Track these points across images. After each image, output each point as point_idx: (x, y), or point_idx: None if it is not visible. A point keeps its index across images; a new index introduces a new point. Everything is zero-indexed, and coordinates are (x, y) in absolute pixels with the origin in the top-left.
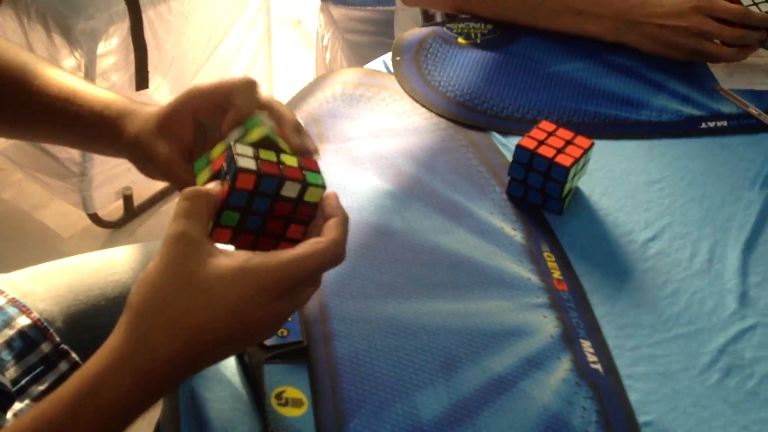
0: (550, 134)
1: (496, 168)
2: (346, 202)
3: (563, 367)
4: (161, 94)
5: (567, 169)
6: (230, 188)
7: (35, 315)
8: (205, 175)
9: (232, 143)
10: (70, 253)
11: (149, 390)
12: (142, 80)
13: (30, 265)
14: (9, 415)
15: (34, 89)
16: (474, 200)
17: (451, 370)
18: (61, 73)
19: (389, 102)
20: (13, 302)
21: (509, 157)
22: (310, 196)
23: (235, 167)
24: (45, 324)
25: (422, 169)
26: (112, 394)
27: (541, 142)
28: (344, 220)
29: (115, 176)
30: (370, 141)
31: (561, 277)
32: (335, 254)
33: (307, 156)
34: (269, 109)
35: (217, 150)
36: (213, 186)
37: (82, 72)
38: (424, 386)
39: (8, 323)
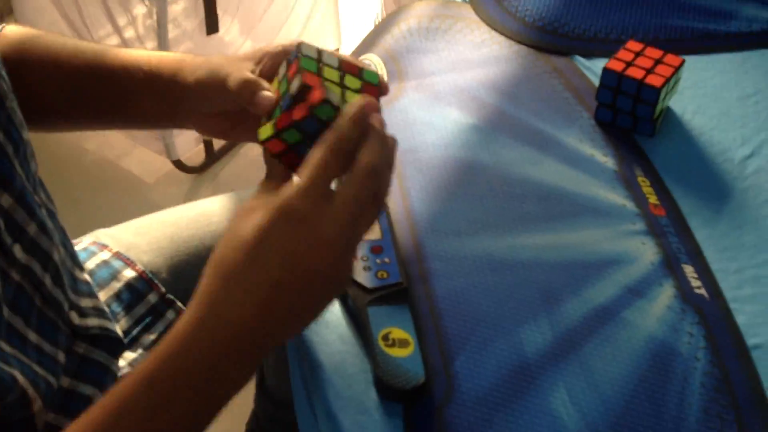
0: (637, 54)
1: (581, 93)
2: (430, 139)
3: (666, 293)
4: (231, 36)
5: (658, 90)
6: (308, 113)
7: (140, 267)
8: (268, 130)
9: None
10: (156, 199)
11: (223, 344)
12: (212, 24)
13: (120, 212)
14: (122, 362)
15: (116, 68)
16: (561, 128)
17: (552, 303)
18: (113, 48)
19: (466, 32)
20: (118, 255)
21: (595, 81)
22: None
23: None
24: (150, 275)
25: (505, 100)
26: (191, 348)
27: (629, 64)
28: (345, 119)
29: None
30: (450, 74)
31: (657, 202)
32: (335, 152)
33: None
34: None
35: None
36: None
37: (154, 19)
38: (526, 321)
39: (115, 276)
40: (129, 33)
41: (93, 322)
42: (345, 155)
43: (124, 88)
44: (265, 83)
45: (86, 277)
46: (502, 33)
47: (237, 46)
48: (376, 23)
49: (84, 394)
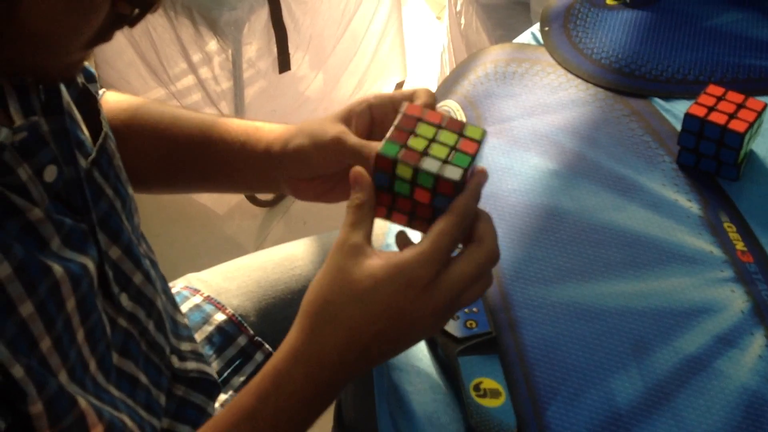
0: (719, 99)
1: (662, 136)
2: (511, 185)
3: (758, 342)
4: (303, 72)
5: (742, 135)
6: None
7: (230, 311)
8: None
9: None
10: (230, 232)
11: (321, 381)
12: (284, 62)
13: (195, 244)
14: (217, 405)
15: (215, 140)
16: (643, 172)
17: (642, 353)
18: (219, 117)
19: (543, 76)
20: (209, 300)
21: (675, 123)
22: (450, 172)
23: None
24: (239, 319)
25: (585, 144)
26: (289, 384)
27: (711, 109)
28: (470, 193)
29: None
30: (529, 119)
31: (744, 248)
32: (461, 225)
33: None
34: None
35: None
36: (367, 192)
37: (230, 61)
38: (616, 370)
39: (206, 320)
40: (204, 72)
41: (192, 365)
42: (466, 228)
43: (222, 158)
44: (374, 145)
45: (185, 321)
46: (578, 76)
47: (309, 81)
48: (443, 57)
49: None
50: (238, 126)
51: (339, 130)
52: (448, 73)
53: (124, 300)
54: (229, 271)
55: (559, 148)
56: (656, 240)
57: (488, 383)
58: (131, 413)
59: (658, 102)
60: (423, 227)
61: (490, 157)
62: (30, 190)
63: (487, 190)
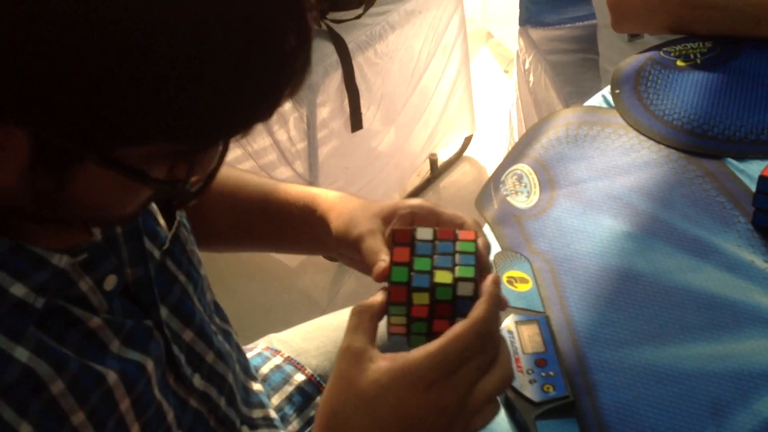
0: None
1: (736, 197)
2: (585, 248)
3: None
4: (375, 128)
5: None
6: (387, 296)
7: (309, 371)
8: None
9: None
10: (303, 286)
11: None
12: (356, 122)
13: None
14: None
15: (276, 204)
16: (718, 233)
17: (720, 416)
18: (278, 182)
19: (614, 138)
20: (289, 360)
21: (749, 184)
22: (462, 290)
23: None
24: (318, 379)
25: (659, 206)
26: None
27: None
28: (489, 298)
29: None
30: (602, 181)
31: None
32: (478, 332)
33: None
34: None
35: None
36: (377, 297)
37: (304, 122)
38: None
39: (287, 380)
40: (280, 133)
41: None
42: (484, 335)
43: (282, 222)
44: (386, 253)
45: (258, 387)
46: (650, 137)
47: (380, 137)
48: (511, 113)
49: None
50: (297, 191)
51: (368, 229)
52: (516, 129)
53: (197, 380)
54: (308, 332)
55: (632, 210)
56: (732, 301)
57: None
58: None
59: (732, 162)
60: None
61: (564, 220)
62: (90, 300)
63: (561, 253)
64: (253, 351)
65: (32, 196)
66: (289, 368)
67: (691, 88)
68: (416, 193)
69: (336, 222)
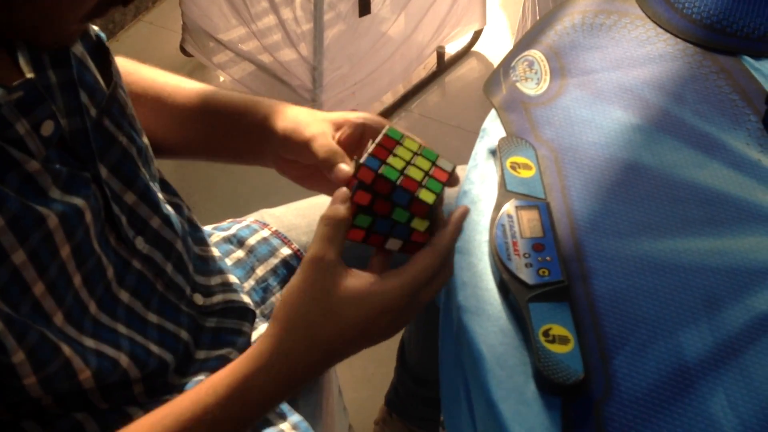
0: None
1: (749, 95)
2: (591, 138)
3: None
4: (383, 15)
5: None
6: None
7: (295, 246)
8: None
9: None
10: None
11: (288, 389)
12: (364, 5)
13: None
14: (254, 335)
15: (217, 109)
16: (727, 130)
17: (713, 308)
18: (220, 89)
19: (631, 29)
20: (276, 234)
21: (764, 83)
22: (423, 196)
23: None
24: (304, 254)
25: (670, 100)
26: (258, 393)
27: None
28: (452, 229)
29: (341, 101)
30: (614, 72)
31: None
32: (442, 259)
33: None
34: None
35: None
36: (346, 209)
37: (311, 2)
38: (687, 324)
39: (273, 253)
40: (285, 13)
41: (218, 298)
42: (446, 262)
43: (221, 126)
44: (345, 156)
45: (215, 253)
46: (667, 30)
47: (388, 24)
48: (526, 4)
49: (221, 355)
50: (237, 97)
51: (320, 131)
52: (529, 22)
53: (140, 243)
54: (301, 209)
55: (643, 103)
56: (736, 199)
57: (557, 330)
58: (135, 349)
59: (748, 60)
60: (401, 246)
61: (572, 109)
62: (27, 144)
63: (566, 142)
64: (241, 223)
65: None
66: (276, 242)
67: None
68: (421, 86)
69: (282, 123)
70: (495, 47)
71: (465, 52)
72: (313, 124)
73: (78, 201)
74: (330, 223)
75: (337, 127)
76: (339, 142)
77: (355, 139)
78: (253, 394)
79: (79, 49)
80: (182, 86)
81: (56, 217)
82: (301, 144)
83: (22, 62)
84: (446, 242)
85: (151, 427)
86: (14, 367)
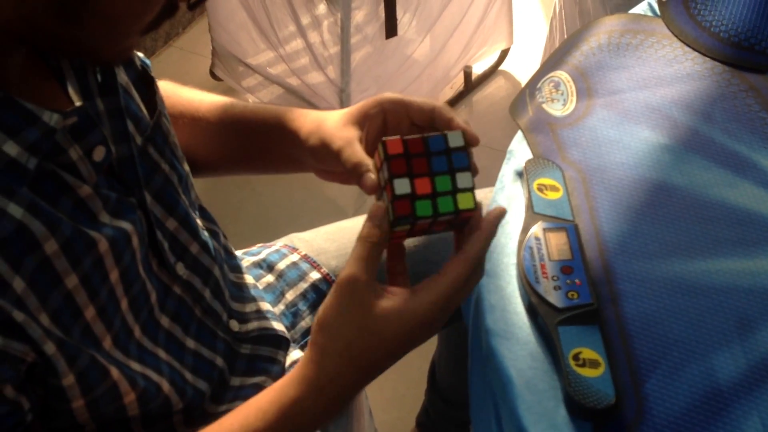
0: None
1: None
2: (619, 158)
3: None
4: (409, 36)
5: None
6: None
7: (324, 270)
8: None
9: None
10: (330, 192)
11: (334, 411)
12: (391, 28)
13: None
14: (288, 362)
15: (239, 123)
16: (758, 149)
17: (746, 331)
18: (251, 104)
19: (658, 48)
20: (306, 258)
21: None
22: (462, 203)
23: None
24: (333, 278)
25: (699, 119)
26: (309, 416)
27: None
28: (486, 235)
29: None
30: (641, 92)
31: None
32: (474, 266)
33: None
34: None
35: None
36: (382, 228)
37: (338, 26)
38: (719, 347)
39: (302, 277)
40: (313, 36)
41: (252, 325)
42: (479, 268)
43: (256, 140)
44: (370, 164)
45: (249, 281)
46: (695, 49)
47: (415, 46)
48: (553, 24)
49: (255, 383)
50: (269, 110)
51: (345, 140)
52: (556, 41)
53: (180, 269)
54: (330, 233)
55: (671, 122)
56: (767, 218)
57: (587, 353)
58: (174, 376)
59: None
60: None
61: (599, 130)
62: (80, 169)
63: (594, 163)
64: (271, 248)
65: (55, 9)
66: (305, 266)
67: (740, 0)
68: (449, 106)
69: (311, 139)
70: (522, 66)
71: (492, 72)
72: (337, 133)
73: (126, 225)
74: (365, 244)
75: (360, 124)
76: (366, 138)
77: (379, 128)
78: (302, 419)
79: (124, 78)
80: (216, 103)
81: (106, 241)
82: (332, 156)
83: (71, 90)
84: (478, 248)
85: None
86: (64, 390)
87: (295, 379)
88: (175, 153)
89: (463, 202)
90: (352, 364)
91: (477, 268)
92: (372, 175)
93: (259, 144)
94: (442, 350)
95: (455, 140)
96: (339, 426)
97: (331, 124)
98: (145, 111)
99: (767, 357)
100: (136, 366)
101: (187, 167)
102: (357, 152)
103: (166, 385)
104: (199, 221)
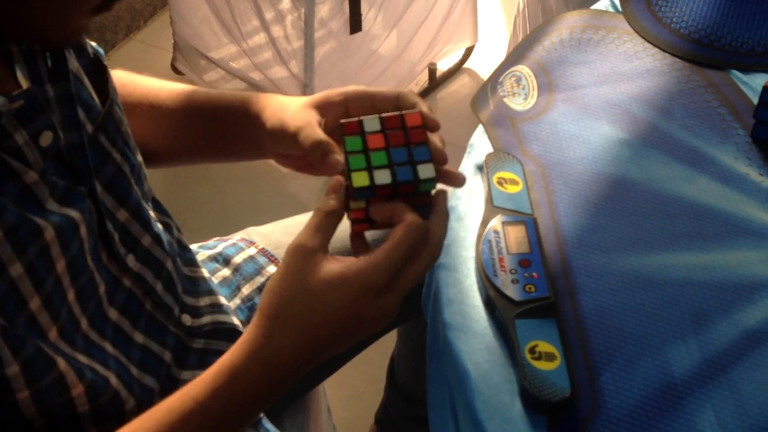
0: None
1: (737, 109)
2: (579, 153)
3: None
4: (374, 32)
5: None
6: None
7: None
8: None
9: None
10: (293, 189)
11: (275, 379)
12: (356, 23)
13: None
14: None
15: (202, 110)
16: (715, 145)
17: (701, 324)
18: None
19: (619, 44)
20: (263, 252)
21: (752, 97)
22: (423, 172)
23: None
24: None
25: (658, 115)
26: (244, 381)
27: None
28: (440, 211)
29: None
30: (601, 87)
31: None
32: (421, 235)
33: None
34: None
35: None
36: (337, 199)
37: (302, 20)
38: (674, 340)
39: (259, 271)
40: (276, 31)
41: (206, 319)
42: (424, 237)
43: (216, 125)
44: (334, 145)
45: (204, 274)
46: (655, 45)
47: (380, 41)
48: (517, 21)
49: None
50: (230, 96)
51: (304, 121)
52: (520, 38)
53: (131, 261)
54: (289, 227)
55: (630, 117)
56: (724, 213)
57: (544, 346)
58: (121, 371)
59: (736, 74)
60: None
61: (560, 124)
62: (26, 154)
63: (554, 157)
64: (227, 241)
65: None
66: (262, 260)
67: None
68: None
69: (270, 121)
70: (487, 64)
71: (457, 69)
72: (297, 115)
73: (74, 213)
74: (319, 213)
75: (322, 111)
76: (327, 126)
77: (342, 116)
78: (241, 383)
79: (75, 65)
80: (177, 90)
81: (53, 229)
82: (289, 138)
83: (20, 76)
84: (419, 219)
85: (143, 422)
86: (8, 380)
87: (236, 345)
88: (128, 143)
89: (423, 171)
90: (294, 330)
91: (426, 237)
92: (337, 156)
93: (222, 130)
94: (401, 346)
95: (413, 120)
96: (295, 424)
97: (293, 108)
98: (96, 99)
99: (721, 350)
100: (83, 358)
101: (140, 158)
102: (315, 132)
103: (114, 380)
104: (152, 213)
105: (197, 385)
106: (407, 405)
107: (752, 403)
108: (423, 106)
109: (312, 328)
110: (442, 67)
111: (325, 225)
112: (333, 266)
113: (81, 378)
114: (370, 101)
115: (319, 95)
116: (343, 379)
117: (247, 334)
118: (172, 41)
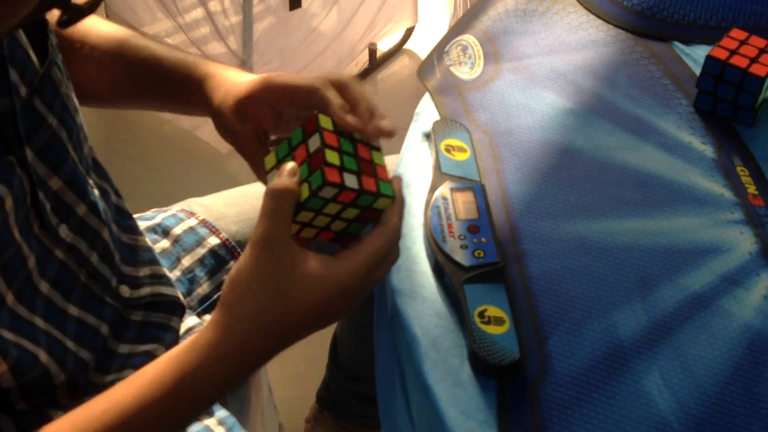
0: (741, 43)
1: (680, 79)
2: (526, 122)
3: (763, 283)
4: (314, 10)
5: (762, 80)
6: (311, 194)
7: (224, 235)
8: (273, 159)
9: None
10: (231, 169)
11: (240, 379)
12: (295, 0)
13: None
14: (182, 329)
15: (156, 69)
16: (659, 114)
17: (647, 289)
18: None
19: (563, 15)
20: (204, 223)
21: (694, 68)
22: (380, 204)
23: (323, 178)
24: (233, 244)
25: (602, 84)
26: (209, 384)
27: (732, 52)
28: (400, 206)
29: None
30: (547, 57)
31: (756, 192)
32: (395, 238)
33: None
34: (345, 91)
35: (297, 138)
36: (294, 182)
37: None
38: (621, 304)
39: (200, 242)
40: (213, 5)
41: (145, 291)
42: (397, 240)
43: (156, 85)
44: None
45: (147, 243)
46: (600, 17)
47: (319, 19)
48: (457, 3)
49: (146, 351)
50: (179, 57)
51: (240, 130)
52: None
53: (63, 231)
54: (231, 198)
55: (576, 87)
56: (668, 180)
57: (493, 311)
58: (53, 345)
59: (679, 46)
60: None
61: (506, 94)
62: None
63: (501, 126)
64: (167, 212)
65: None
66: (203, 231)
67: None
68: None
69: (217, 92)
70: (427, 45)
71: (397, 50)
72: (239, 132)
73: (2, 188)
74: (275, 197)
75: (251, 117)
76: (261, 129)
77: (269, 115)
78: (203, 387)
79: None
80: (108, 35)
81: None
82: (230, 125)
83: None
84: (397, 219)
85: (89, 423)
86: None
87: (196, 345)
88: (67, 105)
89: (376, 157)
90: (263, 330)
91: (397, 241)
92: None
93: (160, 90)
94: (344, 324)
95: (325, 122)
96: (236, 399)
97: (227, 110)
98: (35, 58)
99: (667, 314)
100: (8, 335)
101: (81, 119)
102: (254, 155)
103: (43, 355)
104: (90, 180)
105: (154, 388)
106: (350, 383)
107: (698, 364)
108: (336, 107)
109: (282, 324)
110: (383, 47)
111: (283, 209)
112: (309, 264)
113: (5, 356)
114: (288, 96)
115: (244, 102)
116: (284, 359)
117: (210, 332)
118: (104, 15)
